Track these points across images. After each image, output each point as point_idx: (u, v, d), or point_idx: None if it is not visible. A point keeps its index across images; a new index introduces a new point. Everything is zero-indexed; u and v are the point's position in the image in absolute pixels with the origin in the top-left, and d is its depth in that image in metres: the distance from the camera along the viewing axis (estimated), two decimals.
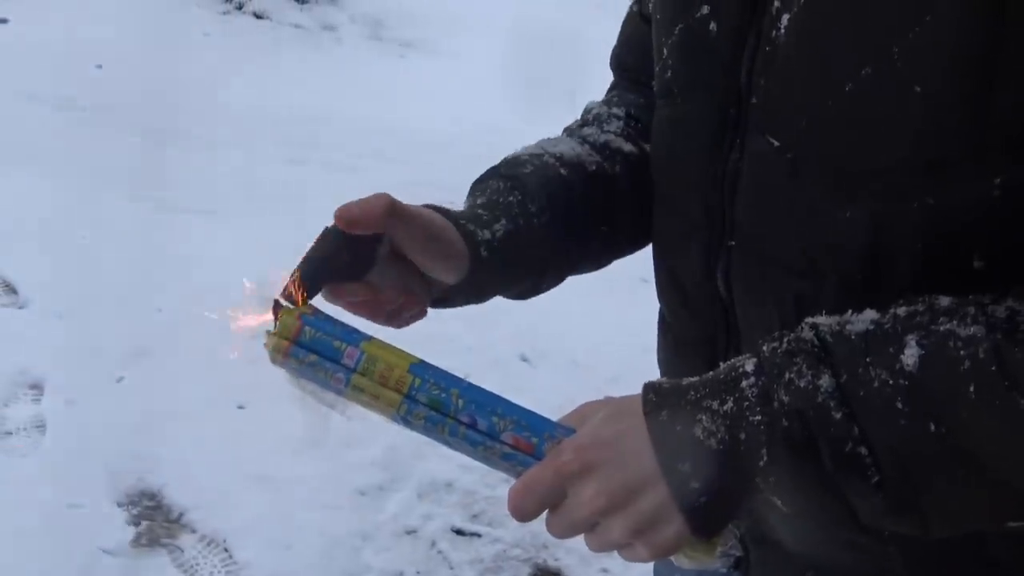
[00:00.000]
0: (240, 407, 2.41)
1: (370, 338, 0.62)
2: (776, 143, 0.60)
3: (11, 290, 2.98)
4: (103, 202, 3.51)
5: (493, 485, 2.24)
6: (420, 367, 0.61)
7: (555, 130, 0.85)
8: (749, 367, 0.55)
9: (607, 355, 2.65)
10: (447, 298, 0.71)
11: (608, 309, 2.81)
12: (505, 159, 0.78)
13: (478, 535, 2.12)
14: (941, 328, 0.52)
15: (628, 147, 0.81)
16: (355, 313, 0.66)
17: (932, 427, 0.51)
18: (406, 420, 0.61)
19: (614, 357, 2.62)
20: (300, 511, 2.06)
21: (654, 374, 0.85)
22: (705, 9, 0.64)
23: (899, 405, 0.51)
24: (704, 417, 0.54)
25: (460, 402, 0.59)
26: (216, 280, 2.92)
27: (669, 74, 0.70)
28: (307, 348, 0.61)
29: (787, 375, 0.53)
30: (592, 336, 2.67)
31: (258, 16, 5.88)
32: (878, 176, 0.56)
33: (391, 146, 4.40)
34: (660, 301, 0.80)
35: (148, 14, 5.36)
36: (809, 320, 0.56)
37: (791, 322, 0.58)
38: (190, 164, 4.02)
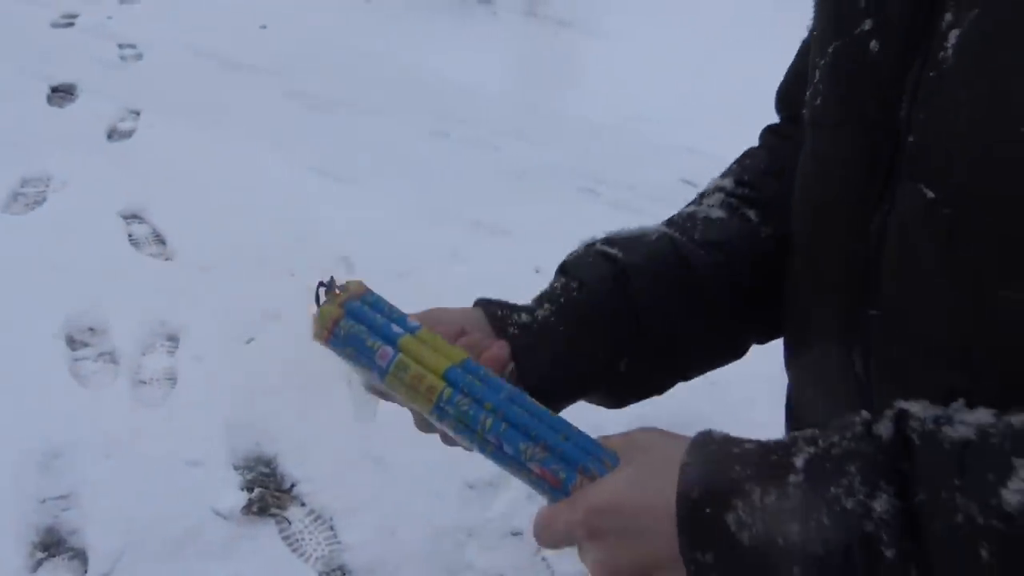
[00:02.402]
0: None
1: (415, 330, 0.60)
2: (931, 194, 0.49)
3: (160, 240, 3.10)
4: (251, 161, 3.60)
5: None
6: (458, 372, 0.58)
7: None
8: (799, 460, 0.46)
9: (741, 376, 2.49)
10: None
11: None
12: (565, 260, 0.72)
13: None
14: None
15: (717, 213, 0.72)
16: None
17: None
18: (440, 423, 0.58)
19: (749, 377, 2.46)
20: (408, 497, 2.03)
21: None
22: (868, 24, 0.54)
23: (984, 554, 0.39)
24: (740, 504, 0.46)
25: (488, 421, 0.56)
26: (345, 249, 2.95)
27: (819, 101, 0.59)
28: (343, 342, 0.60)
29: (832, 489, 0.43)
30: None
31: None
32: None
33: (534, 127, 4.32)
34: (787, 374, 0.68)
35: None
36: (901, 405, 0.46)
37: None
38: (336, 128, 4.08)
